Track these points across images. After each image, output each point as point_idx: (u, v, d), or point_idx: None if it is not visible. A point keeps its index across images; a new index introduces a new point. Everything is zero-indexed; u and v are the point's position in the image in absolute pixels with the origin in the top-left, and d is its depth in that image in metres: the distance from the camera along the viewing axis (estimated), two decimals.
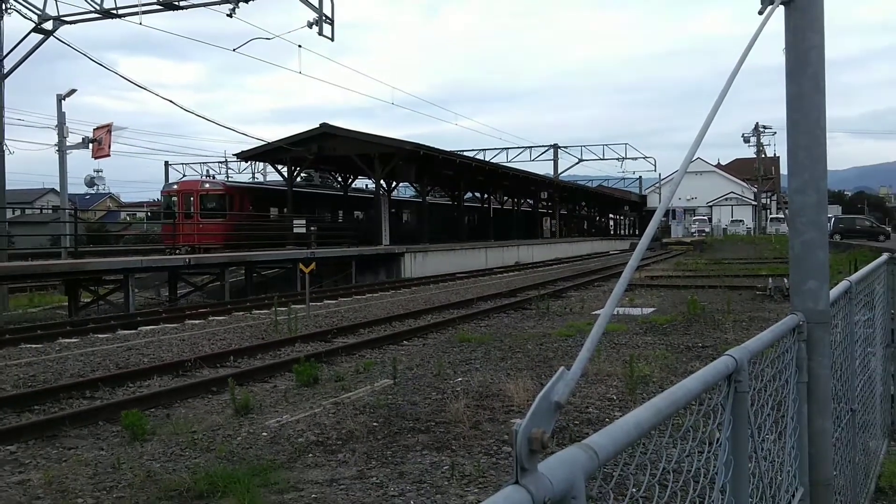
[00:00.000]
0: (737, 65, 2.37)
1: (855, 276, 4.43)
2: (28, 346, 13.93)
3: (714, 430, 2.01)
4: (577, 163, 70.08)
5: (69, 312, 20.53)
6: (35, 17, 21.39)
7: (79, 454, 7.34)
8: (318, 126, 34.76)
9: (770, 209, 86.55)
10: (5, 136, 21.64)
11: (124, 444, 7.61)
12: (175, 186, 33.10)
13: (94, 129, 27.67)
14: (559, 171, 67.86)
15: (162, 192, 34.41)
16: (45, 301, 24.51)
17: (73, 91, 27.35)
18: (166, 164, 61.98)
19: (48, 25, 21.45)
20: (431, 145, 36.19)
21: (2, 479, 6.63)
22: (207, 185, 33.55)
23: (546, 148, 68.41)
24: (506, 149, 67.02)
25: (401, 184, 44.78)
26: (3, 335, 15.13)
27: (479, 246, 42.09)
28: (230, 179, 47.14)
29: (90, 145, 27.33)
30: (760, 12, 2.69)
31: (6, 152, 21.92)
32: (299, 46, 22.87)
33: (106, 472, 6.69)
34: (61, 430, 8.09)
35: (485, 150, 65.26)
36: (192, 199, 31.78)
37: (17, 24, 21.69)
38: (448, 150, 40.04)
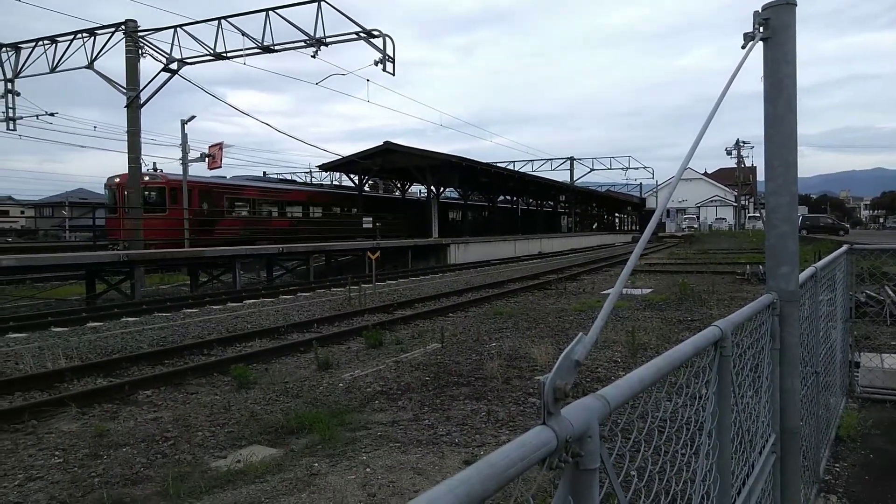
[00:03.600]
0: (723, 91, 2.30)
1: (820, 263, 4.29)
2: (160, 314, 14.32)
3: (702, 387, 1.98)
4: (589, 172, 69.04)
5: (191, 289, 21.04)
6: (164, 60, 21.86)
7: (198, 398, 7.53)
8: (382, 143, 34.88)
9: (748, 209, 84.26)
10: (142, 152, 22.24)
11: (233, 390, 7.78)
12: (117, 179, 24.90)
13: (209, 147, 28.06)
14: (574, 179, 66.91)
15: (105, 184, 26.20)
16: (172, 280, 25.15)
17: (192, 117, 27.86)
18: (264, 174, 62.81)
19: (174, 66, 21.92)
20: (471, 158, 36.08)
21: (141, 415, 6.85)
22: (147, 178, 25.18)
23: (564, 160, 67.44)
24: (531, 161, 66.29)
25: (447, 189, 44.73)
26: (141, 306, 15.57)
27: (510, 238, 41.83)
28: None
29: (206, 159, 27.78)
30: (743, 47, 2.62)
31: (143, 166, 22.52)
32: (367, 80, 22.96)
33: (219, 412, 6.86)
34: (185, 379, 8.30)
35: (514, 161, 64.54)
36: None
37: (150, 66, 22.23)
38: (484, 161, 39.87)
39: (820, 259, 4.83)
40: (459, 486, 0.82)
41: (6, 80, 23.29)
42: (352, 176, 38.24)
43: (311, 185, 43.48)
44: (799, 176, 2.92)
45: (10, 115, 23.76)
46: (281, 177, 59.64)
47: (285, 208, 31.57)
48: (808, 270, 3.75)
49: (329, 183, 48.94)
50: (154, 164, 27.54)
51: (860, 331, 7.71)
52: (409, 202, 43.33)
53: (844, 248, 6.06)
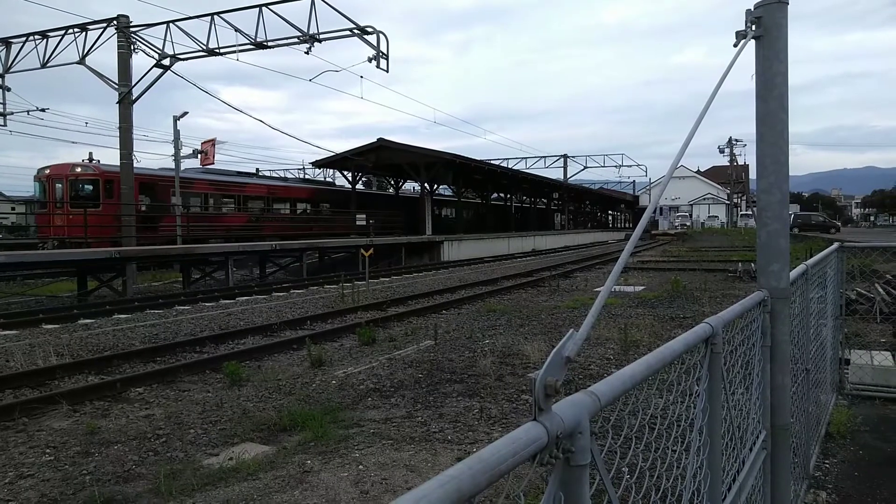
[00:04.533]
0: (715, 88, 2.31)
1: (811, 261, 4.31)
2: (152, 311, 14.27)
3: (693, 384, 1.98)
4: (582, 169, 69.26)
5: (183, 286, 20.95)
6: (156, 55, 21.74)
7: (191, 395, 7.52)
8: (375, 140, 34.83)
9: (740, 207, 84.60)
10: (134, 149, 22.10)
11: (225, 388, 7.77)
12: (47, 171, 23.57)
13: (201, 143, 27.89)
14: (568, 176, 67.02)
15: (34, 177, 24.35)
16: (164, 277, 25.04)
17: (185, 113, 27.67)
18: (257, 170, 62.47)
19: (166, 62, 21.80)
20: (465, 155, 36.06)
21: (133, 413, 6.83)
22: (79, 169, 23.54)
23: (557, 157, 67.59)
24: (525, 158, 66.40)
25: (440, 186, 44.66)
26: (133, 303, 15.52)
27: (503, 236, 41.86)
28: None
29: (198, 156, 27.59)
30: (735, 45, 2.63)
31: (135, 161, 22.39)
32: (361, 77, 22.87)
33: (212, 409, 6.84)
34: (177, 377, 8.29)
35: (508, 158, 64.68)
36: (60, 184, 23.25)
37: (142, 61, 22.01)
38: (478, 159, 39.82)
39: (811, 257, 4.86)
40: (449, 481, 0.82)
41: None
42: (345, 173, 38.16)
43: (275, 178, 42.93)
44: (791, 174, 2.93)
45: (1, 110, 23.59)
46: (275, 173, 59.38)
47: (243, 203, 29.96)
48: (799, 268, 3.77)
49: (311, 178, 48.70)
50: (90, 153, 25.74)
51: (850, 328, 7.76)
52: (403, 199, 43.28)
53: (835, 245, 6.10)
